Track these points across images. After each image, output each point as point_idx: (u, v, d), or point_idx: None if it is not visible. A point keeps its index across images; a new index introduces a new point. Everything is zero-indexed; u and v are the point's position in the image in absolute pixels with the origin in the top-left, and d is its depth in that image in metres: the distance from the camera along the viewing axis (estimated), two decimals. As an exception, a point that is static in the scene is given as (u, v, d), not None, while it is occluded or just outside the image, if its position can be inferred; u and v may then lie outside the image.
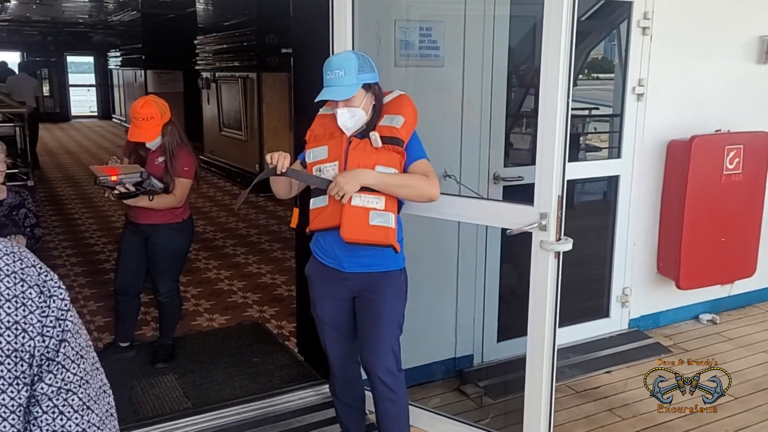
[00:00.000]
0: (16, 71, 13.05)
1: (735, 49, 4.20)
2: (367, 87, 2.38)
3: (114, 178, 3.24)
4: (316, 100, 2.42)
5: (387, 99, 2.46)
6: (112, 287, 3.88)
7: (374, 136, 2.36)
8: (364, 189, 2.33)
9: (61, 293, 0.81)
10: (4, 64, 13.39)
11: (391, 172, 2.35)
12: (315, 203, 2.43)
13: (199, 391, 3.39)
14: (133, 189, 3.30)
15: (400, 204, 2.46)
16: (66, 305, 0.81)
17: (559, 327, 2.58)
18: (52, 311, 0.79)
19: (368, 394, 2.83)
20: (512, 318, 3.35)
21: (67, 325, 0.80)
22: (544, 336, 2.53)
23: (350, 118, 2.38)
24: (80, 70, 22.27)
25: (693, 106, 4.07)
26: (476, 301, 3.51)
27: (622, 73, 3.92)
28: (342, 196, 2.30)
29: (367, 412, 2.96)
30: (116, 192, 3.31)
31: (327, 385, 3.04)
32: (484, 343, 3.58)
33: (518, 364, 2.75)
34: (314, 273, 2.60)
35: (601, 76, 5.45)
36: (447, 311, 3.46)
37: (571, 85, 2.35)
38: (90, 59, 20.82)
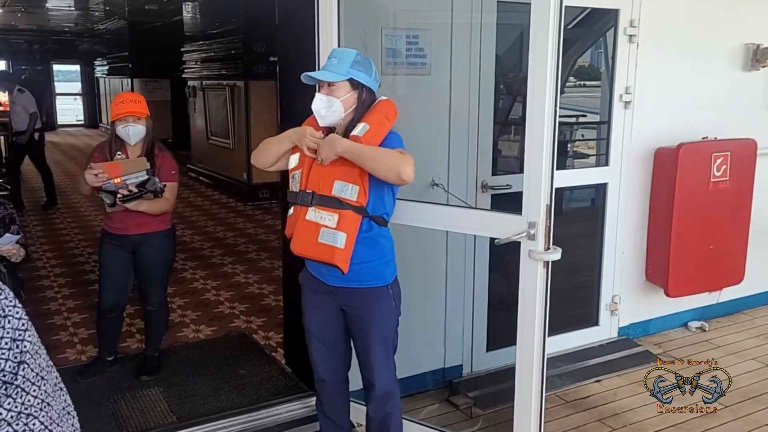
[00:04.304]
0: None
1: (721, 57, 4.21)
2: (355, 84, 2.34)
3: (117, 180, 2.97)
4: (302, 76, 2.37)
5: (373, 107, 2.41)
6: (96, 299, 3.81)
7: None
8: (321, 205, 2.30)
9: (17, 312, 0.76)
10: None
11: (349, 187, 2.29)
12: (289, 210, 2.46)
13: (184, 405, 3.33)
14: (135, 190, 3.02)
15: (383, 219, 2.39)
16: (23, 324, 0.76)
17: (549, 336, 2.55)
18: (7, 332, 0.74)
19: (358, 407, 2.79)
20: (501, 327, 3.33)
21: (25, 346, 0.75)
22: (534, 346, 2.51)
23: (325, 107, 2.33)
24: (67, 78, 22.11)
25: (680, 114, 4.08)
26: (465, 310, 3.48)
27: (609, 80, 3.92)
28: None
29: (356, 424, 2.92)
30: (119, 196, 3.04)
31: (315, 398, 2.99)
32: (474, 352, 3.56)
33: (508, 374, 2.71)
34: (305, 282, 2.59)
35: (587, 83, 5.46)
36: (435, 321, 3.43)
37: (558, 94, 2.33)
38: (76, 68, 20.67)
